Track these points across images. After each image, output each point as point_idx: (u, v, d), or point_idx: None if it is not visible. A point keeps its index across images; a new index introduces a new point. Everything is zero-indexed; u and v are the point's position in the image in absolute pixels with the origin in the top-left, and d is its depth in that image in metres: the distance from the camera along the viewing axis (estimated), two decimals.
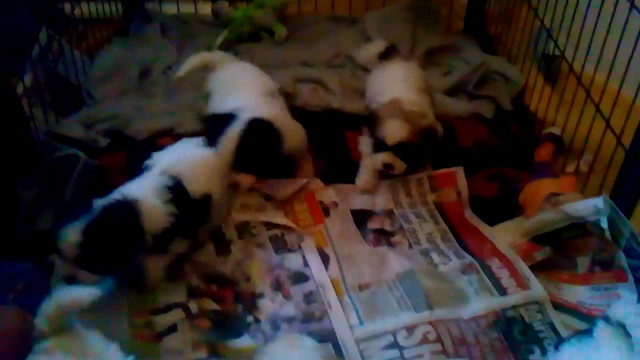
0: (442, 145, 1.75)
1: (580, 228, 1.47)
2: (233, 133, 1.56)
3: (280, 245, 1.56)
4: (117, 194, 1.37)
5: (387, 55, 1.88)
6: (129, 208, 1.34)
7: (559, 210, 1.50)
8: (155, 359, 1.30)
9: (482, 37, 2.49)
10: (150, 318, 1.37)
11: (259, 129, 1.58)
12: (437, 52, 2.33)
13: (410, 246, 1.59)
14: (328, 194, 1.70)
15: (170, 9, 2.64)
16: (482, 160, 1.82)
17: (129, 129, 1.89)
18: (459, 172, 1.73)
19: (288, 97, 1.95)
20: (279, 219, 1.61)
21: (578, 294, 1.44)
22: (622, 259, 1.38)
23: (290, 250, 1.55)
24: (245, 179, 1.62)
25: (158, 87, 2.14)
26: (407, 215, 1.67)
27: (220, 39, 2.36)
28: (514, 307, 1.40)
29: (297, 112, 1.88)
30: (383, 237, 1.61)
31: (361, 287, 1.47)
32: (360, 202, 1.70)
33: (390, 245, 1.59)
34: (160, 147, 1.58)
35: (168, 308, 1.39)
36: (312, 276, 1.48)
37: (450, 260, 1.53)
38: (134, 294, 1.41)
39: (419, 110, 1.64)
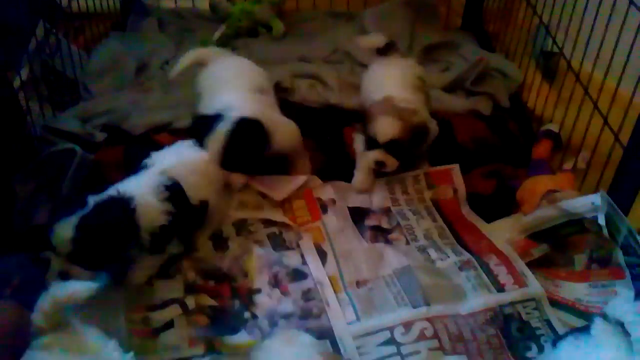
0: (440, 142, 1.75)
1: (577, 225, 1.48)
2: (220, 133, 1.52)
3: (279, 243, 1.55)
4: (112, 190, 1.36)
5: (385, 51, 1.87)
6: (124, 204, 1.33)
7: (556, 207, 1.50)
8: (152, 355, 1.29)
9: (481, 34, 2.49)
10: (146, 314, 1.37)
11: (246, 128, 1.54)
12: (435, 49, 2.33)
13: (407, 243, 1.59)
14: (326, 191, 1.69)
15: (167, 3, 2.64)
16: (480, 156, 1.82)
17: (126, 123, 1.89)
18: (455, 169, 1.72)
19: (286, 92, 1.94)
20: (277, 216, 1.61)
21: (575, 291, 1.44)
22: (620, 256, 1.38)
23: (288, 248, 1.54)
24: (237, 178, 1.60)
25: (155, 82, 2.13)
26: (404, 212, 1.67)
27: (217, 34, 2.36)
28: (511, 303, 1.40)
29: (295, 107, 1.88)
30: (380, 234, 1.61)
31: (358, 284, 1.46)
32: (358, 199, 1.69)
33: (388, 242, 1.59)
34: (157, 142, 1.57)
35: (165, 304, 1.39)
36: (311, 274, 1.48)
37: (448, 256, 1.52)
38: (131, 290, 1.40)
39: (411, 107, 1.63)
